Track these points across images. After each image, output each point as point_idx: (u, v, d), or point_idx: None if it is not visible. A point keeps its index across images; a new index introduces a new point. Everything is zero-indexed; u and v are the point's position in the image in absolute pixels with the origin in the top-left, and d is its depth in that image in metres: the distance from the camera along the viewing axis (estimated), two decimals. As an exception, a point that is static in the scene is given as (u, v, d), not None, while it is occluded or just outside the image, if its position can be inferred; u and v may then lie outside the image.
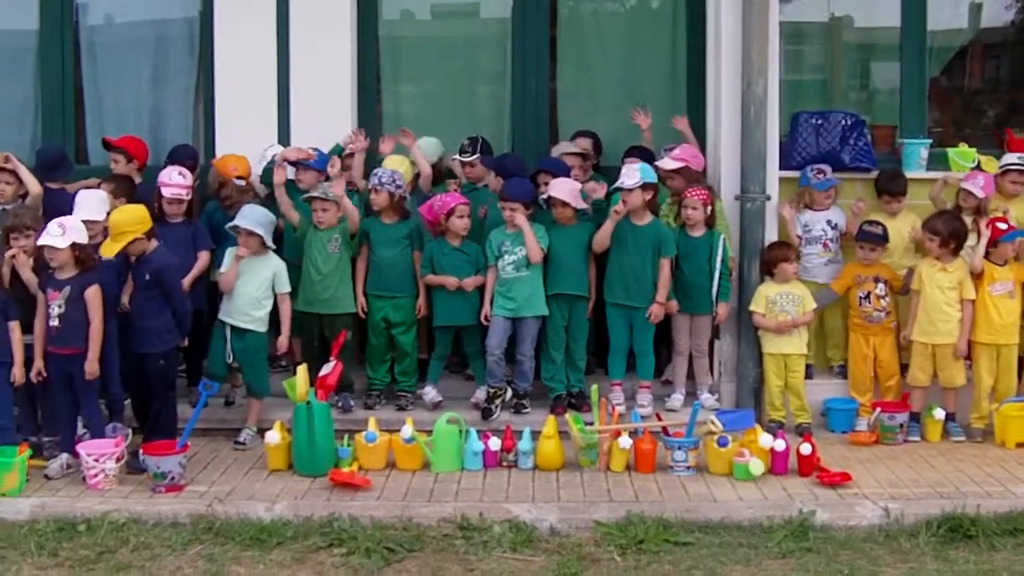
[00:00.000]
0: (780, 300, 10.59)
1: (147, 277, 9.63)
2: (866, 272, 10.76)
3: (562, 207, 10.58)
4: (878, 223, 10.79)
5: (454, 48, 12.72)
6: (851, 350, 10.91)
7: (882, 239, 10.70)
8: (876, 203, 11.19)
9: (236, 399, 10.79)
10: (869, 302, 10.74)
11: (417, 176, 11.25)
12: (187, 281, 10.29)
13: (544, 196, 10.71)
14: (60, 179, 11.06)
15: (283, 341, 10.44)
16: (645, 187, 10.44)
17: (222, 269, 10.45)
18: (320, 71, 11.51)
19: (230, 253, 10.41)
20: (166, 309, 9.71)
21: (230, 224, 10.47)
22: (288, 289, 10.46)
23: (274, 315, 11.06)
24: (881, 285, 10.72)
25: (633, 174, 10.39)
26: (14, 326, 9.51)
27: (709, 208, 10.61)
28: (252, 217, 10.38)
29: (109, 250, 9.55)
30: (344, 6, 11.62)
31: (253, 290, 10.35)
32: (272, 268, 10.43)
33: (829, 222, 11.09)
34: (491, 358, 10.58)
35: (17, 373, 9.51)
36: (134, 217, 9.62)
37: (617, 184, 10.46)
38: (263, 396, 10.56)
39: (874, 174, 11.28)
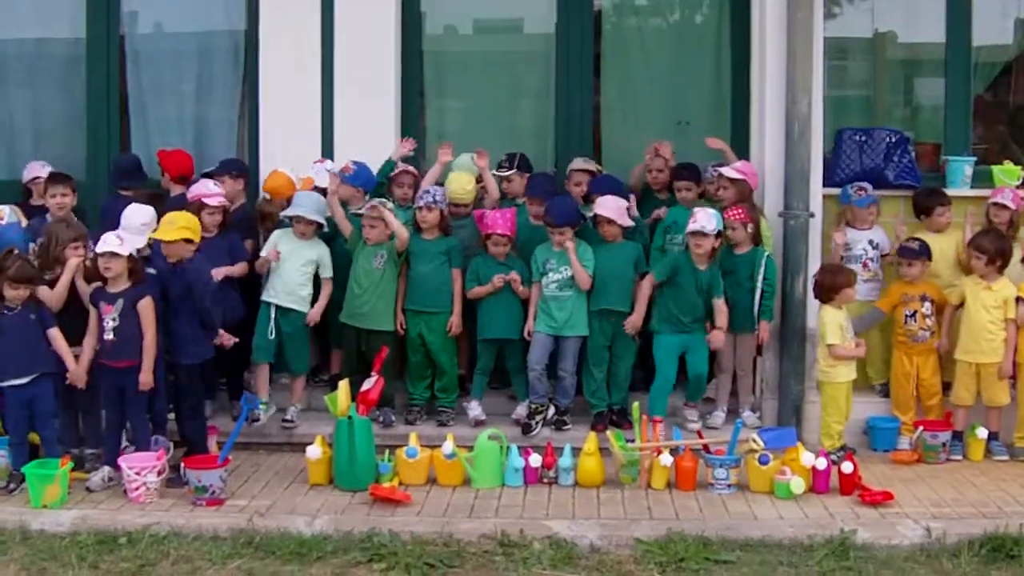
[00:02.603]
0: (848, 326, 10.43)
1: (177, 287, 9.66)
2: (912, 291, 10.67)
3: (608, 224, 10.56)
4: (916, 239, 10.70)
5: (497, 63, 12.72)
6: (894, 369, 10.83)
7: (918, 253, 10.60)
8: (916, 224, 11.12)
9: (261, 417, 10.64)
10: (915, 320, 10.66)
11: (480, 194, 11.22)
12: (217, 273, 10.23)
13: (591, 214, 10.68)
14: (132, 187, 11.17)
15: (314, 313, 10.69)
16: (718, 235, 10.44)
17: (263, 253, 10.73)
18: (364, 85, 11.52)
19: (275, 235, 10.70)
20: (194, 320, 9.72)
21: (287, 213, 10.69)
22: (330, 275, 10.73)
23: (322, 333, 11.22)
24: (927, 304, 10.64)
25: (711, 219, 10.29)
26: (54, 334, 9.51)
27: (750, 226, 10.57)
28: (311, 206, 10.63)
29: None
30: (388, 21, 11.63)
31: (297, 270, 10.59)
32: (318, 252, 10.70)
33: (871, 241, 11.04)
34: (532, 373, 10.56)
35: (76, 372, 9.51)
36: (177, 222, 9.65)
37: (695, 228, 10.28)
38: (302, 373, 10.87)
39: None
